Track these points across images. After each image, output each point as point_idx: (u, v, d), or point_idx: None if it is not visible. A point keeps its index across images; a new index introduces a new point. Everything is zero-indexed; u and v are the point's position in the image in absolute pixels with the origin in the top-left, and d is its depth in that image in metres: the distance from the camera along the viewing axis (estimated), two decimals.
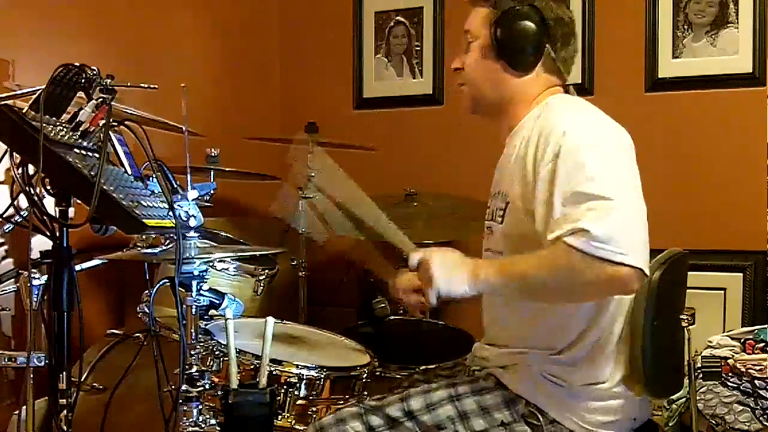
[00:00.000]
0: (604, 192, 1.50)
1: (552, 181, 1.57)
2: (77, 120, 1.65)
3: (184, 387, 1.73)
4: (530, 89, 1.78)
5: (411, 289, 1.92)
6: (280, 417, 1.94)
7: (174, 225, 1.60)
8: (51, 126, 1.58)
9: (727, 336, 2.50)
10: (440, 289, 1.60)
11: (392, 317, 2.66)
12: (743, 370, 2.40)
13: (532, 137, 1.67)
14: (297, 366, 1.99)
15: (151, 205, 1.63)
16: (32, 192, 1.57)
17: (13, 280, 2.16)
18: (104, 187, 1.51)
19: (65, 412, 1.61)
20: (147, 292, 2.12)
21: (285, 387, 1.96)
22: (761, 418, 2.37)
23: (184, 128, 1.77)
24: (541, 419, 1.66)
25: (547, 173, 1.58)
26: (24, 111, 1.57)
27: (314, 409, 1.97)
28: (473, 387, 1.73)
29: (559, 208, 1.54)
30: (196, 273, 1.75)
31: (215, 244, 2.39)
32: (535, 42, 1.74)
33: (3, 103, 1.67)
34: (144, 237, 2.30)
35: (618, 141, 1.65)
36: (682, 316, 1.80)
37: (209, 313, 1.87)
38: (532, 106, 1.78)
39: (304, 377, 1.98)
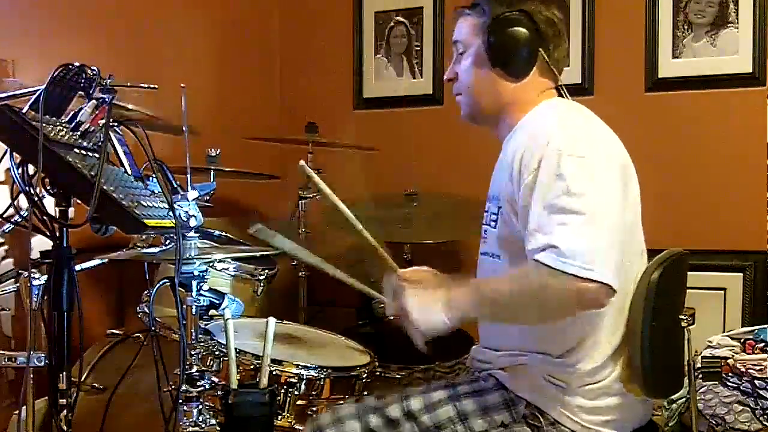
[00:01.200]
0: (579, 206, 1.52)
1: (532, 189, 1.58)
2: (77, 120, 1.66)
3: (184, 387, 1.73)
4: (526, 94, 1.78)
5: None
6: (280, 417, 1.94)
7: (174, 225, 1.60)
8: (51, 126, 1.58)
9: (727, 336, 2.49)
10: (422, 329, 1.62)
11: (392, 317, 2.66)
12: (743, 370, 2.39)
13: (521, 143, 1.68)
14: (297, 366, 1.99)
15: (151, 205, 1.63)
16: (32, 192, 1.57)
17: (13, 280, 2.16)
18: (104, 187, 1.52)
19: (65, 412, 1.61)
20: (147, 292, 2.12)
21: (285, 387, 1.96)
22: (761, 418, 2.37)
23: (184, 128, 1.77)
24: (541, 420, 1.66)
25: (529, 181, 1.60)
26: (24, 111, 1.57)
27: (314, 409, 1.97)
28: (473, 387, 1.73)
29: (534, 219, 1.56)
30: (196, 273, 1.75)
31: (215, 244, 2.39)
32: (529, 47, 1.74)
33: (3, 103, 1.67)
34: (144, 237, 2.31)
35: (603, 151, 1.65)
36: (681, 317, 1.80)
37: (209, 313, 1.87)
38: (527, 110, 1.78)
39: (304, 377, 1.98)
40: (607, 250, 1.52)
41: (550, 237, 1.50)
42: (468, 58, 1.80)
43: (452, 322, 1.60)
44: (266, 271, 2.68)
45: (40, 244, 1.63)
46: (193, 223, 1.65)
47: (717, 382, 2.42)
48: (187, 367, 1.73)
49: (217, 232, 2.73)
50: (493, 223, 1.77)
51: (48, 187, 1.59)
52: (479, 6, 1.79)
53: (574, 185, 1.54)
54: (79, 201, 1.58)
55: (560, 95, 1.83)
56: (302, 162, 2.01)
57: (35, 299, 1.67)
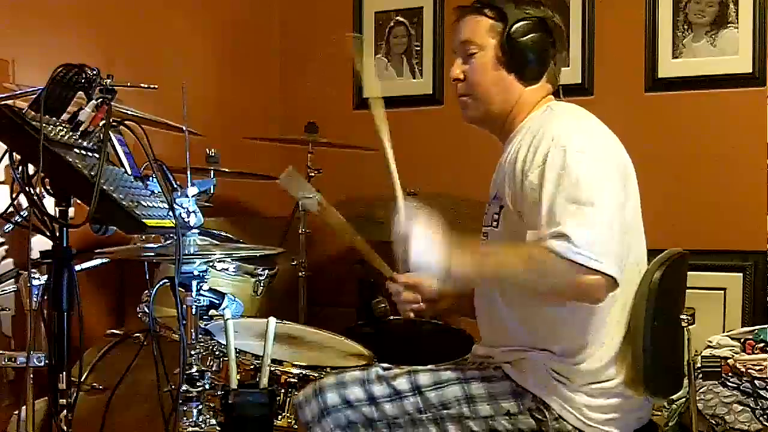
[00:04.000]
0: (588, 198, 1.54)
1: (539, 184, 1.60)
2: (77, 120, 1.65)
3: (184, 387, 1.73)
4: (533, 98, 1.81)
5: (406, 286, 1.94)
6: (280, 417, 1.94)
7: (174, 225, 1.60)
8: (51, 126, 1.58)
9: (727, 336, 2.50)
10: (414, 264, 1.66)
11: (392, 317, 2.66)
12: (743, 370, 2.39)
13: (524, 141, 1.70)
14: (297, 366, 1.99)
15: (151, 205, 1.63)
16: (32, 192, 1.57)
17: (13, 280, 2.16)
18: (104, 187, 1.51)
19: (65, 412, 1.61)
20: (147, 292, 2.12)
21: (285, 387, 1.95)
22: (761, 418, 2.37)
23: (184, 128, 1.77)
24: (547, 415, 1.67)
25: (535, 177, 1.62)
26: (24, 111, 1.57)
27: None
28: (482, 374, 1.74)
29: (544, 212, 1.57)
30: (196, 273, 1.75)
31: (215, 241, 2.39)
32: (545, 53, 1.78)
33: (3, 103, 1.67)
34: (144, 237, 2.30)
35: (608, 152, 1.68)
36: (681, 316, 1.80)
37: (209, 313, 1.87)
38: (529, 112, 1.80)
39: (305, 377, 1.97)
40: (613, 244, 1.54)
41: (560, 227, 1.52)
42: (481, 59, 1.80)
43: (446, 272, 1.64)
44: (266, 271, 2.68)
45: (40, 244, 1.63)
46: (193, 220, 1.65)
47: (717, 382, 2.42)
48: (187, 367, 1.73)
49: (217, 232, 2.73)
50: (495, 223, 1.78)
51: (48, 187, 1.59)
52: (494, 8, 1.79)
53: (581, 179, 1.56)
54: (79, 201, 1.58)
55: (557, 97, 1.86)
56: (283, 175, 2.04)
57: (35, 299, 1.67)
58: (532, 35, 1.75)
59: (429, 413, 1.69)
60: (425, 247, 1.65)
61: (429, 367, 1.77)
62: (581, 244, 1.49)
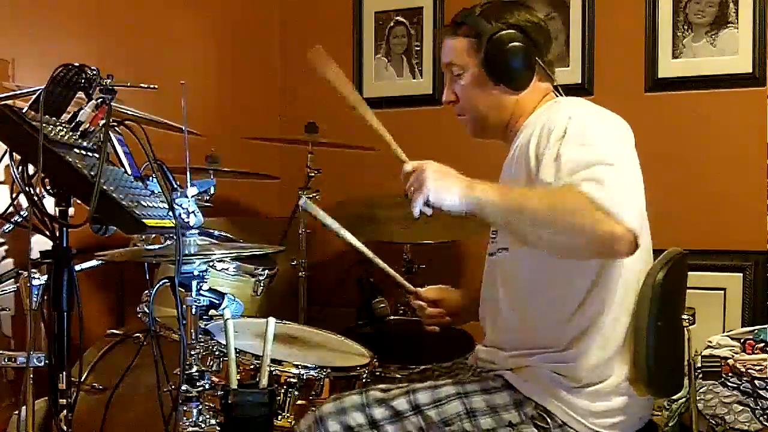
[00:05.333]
0: (613, 160, 1.52)
1: (557, 158, 1.58)
2: (77, 120, 1.65)
3: (184, 387, 1.73)
4: (530, 101, 1.82)
5: (430, 300, 1.98)
6: (280, 417, 1.94)
7: (174, 225, 1.60)
8: (51, 126, 1.58)
9: (727, 336, 2.50)
10: (430, 195, 1.59)
11: (392, 317, 2.66)
12: (743, 370, 2.39)
13: (535, 131, 1.69)
14: (297, 366, 1.99)
15: (151, 205, 1.62)
16: (32, 192, 1.57)
17: (13, 280, 2.16)
18: (104, 187, 1.51)
19: (65, 412, 1.61)
20: (147, 292, 2.12)
21: (285, 387, 1.96)
22: (761, 418, 2.37)
23: (184, 128, 1.77)
24: (549, 422, 1.66)
25: (554, 152, 1.59)
26: (24, 111, 1.57)
27: (314, 409, 1.97)
28: (482, 386, 1.73)
29: (566, 171, 1.54)
30: (196, 273, 1.75)
31: (215, 241, 2.39)
32: (527, 59, 1.77)
33: (3, 103, 1.67)
34: (144, 237, 2.30)
35: (621, 129, 1.68)
36: (683, 316, 1.80)
37: (209, 313, 1.86)
38: (531, 111, 1.81)
39: (304, 377, 1.97)
40: (637, 203, 1.54)
41: (592, 176, 1.49)
42: (466, 79, 1.83)
43: (463, 204, 1.58)
44: (266, 271, 2.68)
45: (40, 244, 1.63)
46: (192, 220, 1.65)
47: (717, 382, 2.42)
48: (187, 367, 1.73)
49: (216, 232, 2.73)
50: None
51: (48, 187, 1.59)
52: (465, 25, 1.81)
53: (602, 144, 1.56)
54: (79, 201, 1.58)
55: (558, 94, 1.86)
56: (304, 198, 2.03)
57: (35, 299, 1.67)
58: (509, 45, 1.75)
59: None
60: (443, 170, 1.62)
61: (427, 383, 1.75)
62: (609, 195, 1.46)
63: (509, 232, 1.69)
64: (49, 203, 1.61)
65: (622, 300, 1.69)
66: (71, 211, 1.61)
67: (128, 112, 2.11)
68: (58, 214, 1.60)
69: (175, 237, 1.59)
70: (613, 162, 1.52)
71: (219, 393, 1.83)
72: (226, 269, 2.60)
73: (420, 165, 1.64)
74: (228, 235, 2.75)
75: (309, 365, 2.00)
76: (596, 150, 1.54)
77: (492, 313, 1.84)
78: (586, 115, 1.65)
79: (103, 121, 1.64)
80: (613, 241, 1.47)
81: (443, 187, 1.59)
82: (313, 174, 3.02)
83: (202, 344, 1.95)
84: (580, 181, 1.49)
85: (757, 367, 2.38)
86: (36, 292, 1.66)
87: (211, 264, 2.38)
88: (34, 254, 1.63)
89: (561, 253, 1.61)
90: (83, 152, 1.61)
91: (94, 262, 2.29)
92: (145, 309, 2.12)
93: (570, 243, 1.53)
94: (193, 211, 1.64)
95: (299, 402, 1.98)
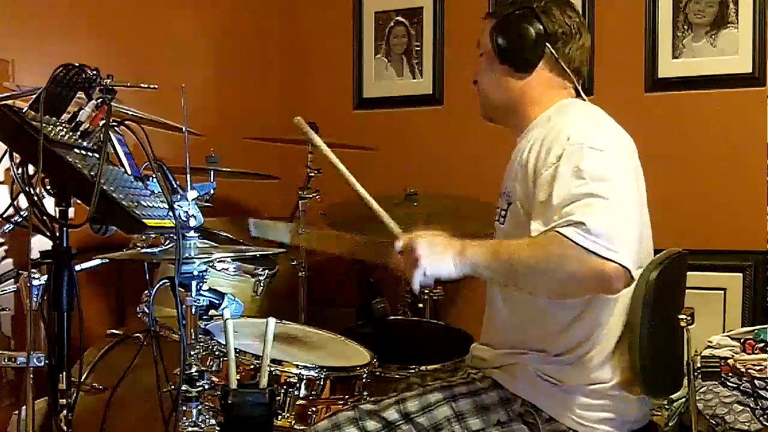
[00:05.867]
0: (603, 192, 1.52)
1: (552, 181, 1.58)
2: (77, 120, 1.65)
3: (184, 387, 1.73)
4: (534, 89, 1.81)
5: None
6: (280, 417, 1.94)
7: (174, 225, 1.60)
8: (51, 126, 1.58)
9: (727, 336, 2.49)
10: (426, 270, 1.59)
11: (392, 317, 2.66)
12: (743, 370, 2.39)
13: (537, 140, 1.70)
14: (297, 366, 1.99)
15: (151, 205, 1.63)
16: (32, 192, 1.57)
17: (13, 280, 2.16)
18: (104, 187, 1.51)
19: (65, 412, 1.61)
20: (147, 292, 2.12)
21: (285, 387, 1.95)
22: (761, 418, 2.37)
23: (184, 128, 1.77)
24: (537, 418, 1.67)
25: (548, 175, 1.60)
26: (24, 111, 1.57)
27: (314, 409, 1.97)
28: (469, 388, 1.74)
29: (556, 204, 1.55)
30: (196, 273, 1.75)
31: (215, 244, 2.39)
32: (533, 42, 1.77)
33: (3, 103, 1.67)
34: (144, 237, 2.30)
35: (623, 149, 1.68)
36: (681, 316, 1.79)
37: (209, 313, 1.87)
38: (541, 106, 1.80)
39: (304, 377, 1.97)
40: (629, 236, 1.52)
41: (574, 216, 1.49)
42: (484, 58, 1.86)
43: (458, 271, 1.59)
44: (266, 271, 2.68)
45: (40, 244, 1.63)
46: (192, 223, 1.65)
47: (717, 382, 2.42)
48: (187, 367, 1.73)
49: (216, 232, 2.73)
50: (501, 219, 1.79)
51: (48, 187, 1.59)
52: (497, 8, 1.86)
53: (597, 174, 1.55)
54: (79, 201, 1.58)
55: (578, 95, 1.85)
56: (298, 117, 2.06)
57: (35, 299, 1.67)
58: (517, 26, 1.77)
59: None
60: (433, 242, 1.62)
61: (416, 391, 1.76)
62: (595, 233, 1.46)
63: (506, 285, 1.72)
64: (49, 203, 1.61)
65: (621, 311, 1.69)
66: (71, 211, 1.61)
67: (128, 112, 2.11)
68: (58, 214, 1.60)
69: (175, 237, 1.59)
70: (604, 194, 1.52)
71: (219, 393, 1.83)
72: (226, 269, 2.60)
73: (410, 242, 1.64)
74: (228, 235, 2.75)
75: (309, 365, 2.00)
76: (588, 183, 1.54)
77: (488, 311, 1.85)
78: (584, 136, 1.63)
79: (103, 121, 1.64)
80: (604, 280, 1.49)
81: (437, 260, 1.60)
82: (313, 174, 3.02)
83: (202, 344, 1.95)
84: (565, 225, 1.49)
85: (757, 367, 2.38)
86: (36, 292, 1.66)
87: (211, 264, 2.38)
88: (34, 254, 1.63)
89: (561, 298, 1.65)
90: (83, 152, 1.61)
91: (94, 262, 2.29)
92: (145, 309, 2.12)
93: (565, 289, 1.58)
94: (193, 215, 1.65)
95: (299, 402, 1.98)
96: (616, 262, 1.46)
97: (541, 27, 1.77)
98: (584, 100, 1.84)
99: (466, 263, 1.59)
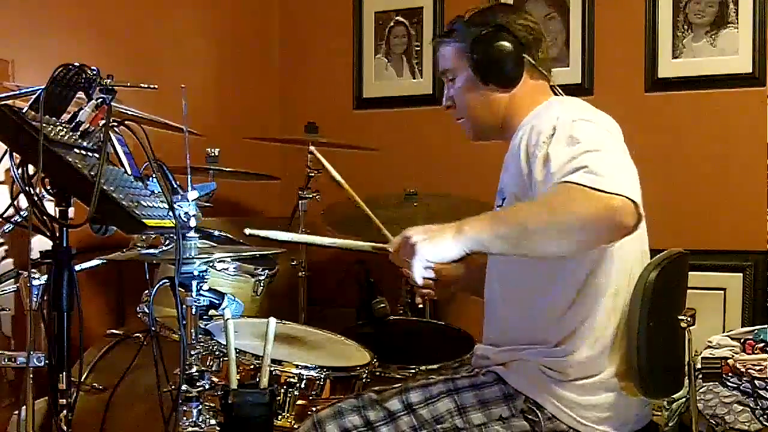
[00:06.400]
0: (597, 146, 1.54)
1: (546, 158, 1.59)
2: (77, 120, 1.65)
3: (184, 387, 1.73)
4: (523, 99, 1.84)
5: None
6: (280, 417, 1.94)
7: (174, 225, 1.60)
8: (51, 126, 1.58)
9: (727, 336, 2.50)
10: (426, 255, 1.55)
11: (392, 317, 2.66)
12: (743, 370, 2.40)
13: (527, 130, 1.71)
14: (297, 366, 1.99)
15: (151, 205, 1.63)
16: (32, 192, 1.57)
17: (13, 280, 2.16)
18: (104, 187, 1.51)
19: (65, 412, 1.61)
20: (147, 292, 2.12)
21: (285, 387, 1.96)
22: (761, 418, 2.37)
23: (184, 128, 1.77)
24: (539, 415, 1.67)
25: (542, 155, 1.61)
26: (24, 111, 1.57)
27: (314, 409, 1.97)
28: (472, 381, 1.75)
29: (555, 170, 1.54)
30: (196, 273, 1.75)
31: (215, 244, 2.39)
32: (513, 56, 1.81)
33: (3, 103, 1.67)
34: (144, 237, 2.30)
35: (614, 128, 1.69)
36: (681, 317, 1.79)
37: (209, 313, 1.87)
38: (528, 110, 1.82)
39: (304, 377, 1.97)
40: (632, 179, 1.52)
41: (577, 163, 1.50)
42: (459, 83, 1.88)
43: (460, 249, 1.54)
44: (266, 271, 2.68)
45: (40, 244, 1.63)
46: (193, 223, 1.65)
47: (717, 382, 2.42)
48: (187, 367, 1.73)
49: (217, 232, 2.73)
50: None
51: (48, 187, 1.59)
52: (455, 32, 1.87)
53: (592, 139, 1.56)
54: (79, 201, 1.58)
55: (555, 94, 1.88)
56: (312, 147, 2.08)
57: (35, 299, 1.67)
58: (493, 44, 1.79)
59: (424, 431, 1.69)
60: (427, 227, 1.60)
61: (420, 382, 1.76)
62: (600, 173, 1.46)
63: (518, 254, 1.62)
64: (49, 203, 1.61)
65: (613, 300, 1.69)
66: (71, 211, 1.61)
67: (128, 112, 2.11)
68: (58, 214, 1.60)
69: (175, 237, 1.59)
70: (600, 148, 1.53)
71: (219, 393, 1.83)
72: (226, 269, 2.60)
73: (401, 238, 1.63)
74: (228, 235, 2.75)
75: (309, 365, 2.00)
76: (583, 144, 1.55)
77: (490, 310, 1.86)
78: (573, 114, 1.66)
79: (103, 121, 1.64)
80: (614, 214, 1.45)
81: (434, 242, 1.56)
82: (313, 174, 3.02)
83: (202, 344, 1.95)
84: (568, 174, 1.50)
85: (757, 367, 2.38)
86: (36, 292, 1.66)
87: (211, 264, 2.38)
88: (34, 254, 1.63)
89: (579, 248, 1.58)
90: (83, 152, 1.61)
91: (94, 262, 2.29)
92: (145, 309, 2.12)
93: (578, 237, 1.52)
94: (193, 216, 1.65)
95: (299, 402, 1.98)
96: (622, 195, 1.45)
97: (515, 39, 1.80)
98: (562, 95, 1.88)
99: (468, 238, 1.54)
